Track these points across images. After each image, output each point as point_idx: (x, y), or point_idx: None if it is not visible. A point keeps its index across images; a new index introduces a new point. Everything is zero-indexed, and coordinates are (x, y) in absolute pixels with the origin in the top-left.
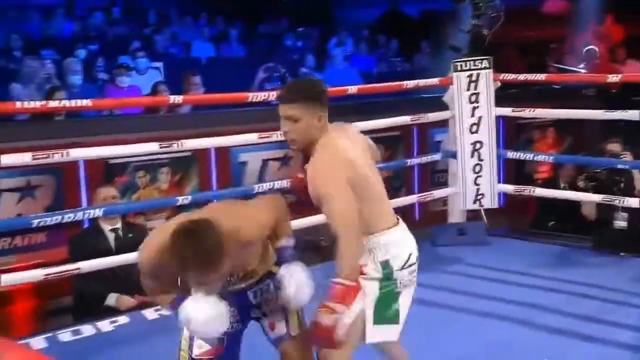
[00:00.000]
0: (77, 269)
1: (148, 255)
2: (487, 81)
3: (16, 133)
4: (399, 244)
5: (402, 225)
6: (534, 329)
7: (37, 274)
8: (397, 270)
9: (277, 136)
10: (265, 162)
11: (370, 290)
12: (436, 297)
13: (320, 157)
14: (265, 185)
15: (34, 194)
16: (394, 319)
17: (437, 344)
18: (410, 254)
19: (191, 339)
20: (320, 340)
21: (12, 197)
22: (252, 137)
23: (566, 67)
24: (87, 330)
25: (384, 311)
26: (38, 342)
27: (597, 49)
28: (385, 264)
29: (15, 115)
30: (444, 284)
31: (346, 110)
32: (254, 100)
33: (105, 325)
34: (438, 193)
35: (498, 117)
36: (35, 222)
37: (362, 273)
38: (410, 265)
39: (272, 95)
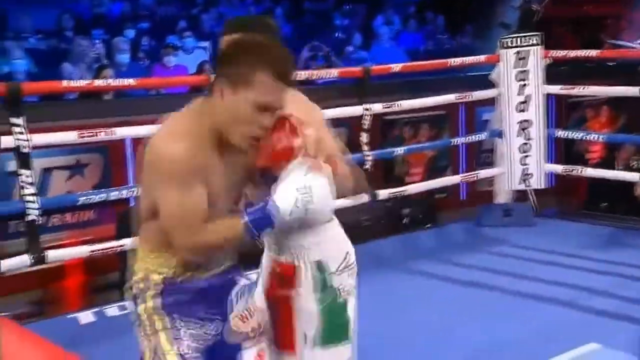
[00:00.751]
0: (121, 245)
1: (179, 147)
2: (537, 58)
3: (65, 112)
4: (335, 241)
5: (336, 220)
6: (581, 311)
7: (83, 251)
8: (334, 273)
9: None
10: None
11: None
12: (481, 279)
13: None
14: None
15: (83, 172)
16: (343, 337)
17: (482, 325)
18: (348, 253)
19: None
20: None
21: (62, 174)
22: None
23: (622, 44)
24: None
25: (330, 328)
26: (87, 317)
27: None
28: (319, 265)
29: (65, 95)
30: (490, 265)
31: (392, 88)
32: (297, 79)
33: None
34: (484, 173)
35: (548, 95)
36: (81, 200)
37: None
38: (349, 267)
39: (317, 74)
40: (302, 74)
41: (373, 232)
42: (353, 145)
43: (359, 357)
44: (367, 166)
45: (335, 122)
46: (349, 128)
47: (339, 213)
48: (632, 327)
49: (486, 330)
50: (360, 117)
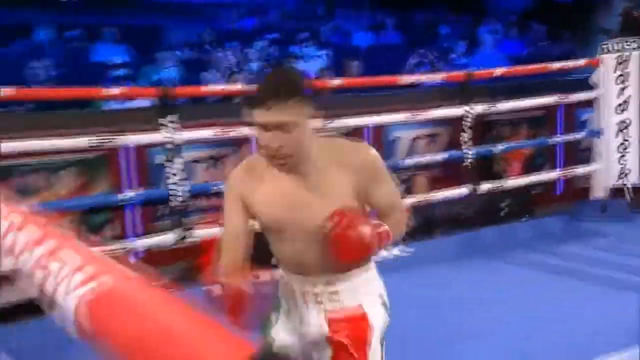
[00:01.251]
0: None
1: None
2: (638, 62)
3: (205, 113)
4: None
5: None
6: None
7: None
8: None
9: (424, 116)
10: (414, 140)
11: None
12: (577, 268)
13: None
14: (414, 160)
15: (219, 164)
16: None
17: (581, 315)
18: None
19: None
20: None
21: (201, 166)
22: (402, 117)
23: None
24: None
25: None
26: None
27: None
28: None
29: (205, 98)
30: (585, 255)
31: (494, 91)
32: (404, 83)
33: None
34: (581, 169)
35: None
36: (215, 188)
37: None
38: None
39: (422, 78)
40: (409, 79)
41: (473, 223)
42: (454, 143)
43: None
44: (467, 162)
45: (439, 122)
46: (452, 127)
47: (444, 206)
48: None
49: (585, 319)
50: (461, 118)
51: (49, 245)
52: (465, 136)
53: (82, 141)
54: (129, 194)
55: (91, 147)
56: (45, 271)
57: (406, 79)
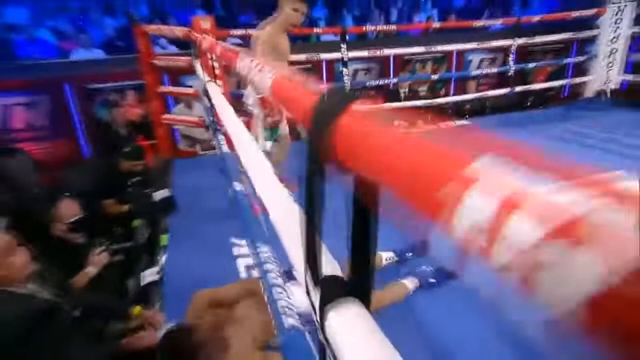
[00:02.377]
0: None
1: None
2: (630, 10)
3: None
4: None
5: None
6: None
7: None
8: None
9: (485, 46)
10: (481, 61)
11: None
12: (572, 135)
13: None
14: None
15: (368, 73)
16: None
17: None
18: None
19: None
20: None
21: (361, 73)
22: (472, 45)
23: None
24: None
25: None
26: None
27: None
28: None
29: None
30: (577, 130)
31: (533, 31)
32: (477, 26)
33: None
34: (579, 79)
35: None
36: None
37: None
38: None
39: (488, 23)
40: (479, 23)
41: (510, 110)
42: (505, 63)
43: None
44: (510, 73)
45: (495, 50)
46: (504, 53)
47: (493, 99)
48: None
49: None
50: (509, 47)
51: None
52: (510, 58)
53: (301, 57)
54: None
55: (307, 60)
56: None
57: (477, 23)
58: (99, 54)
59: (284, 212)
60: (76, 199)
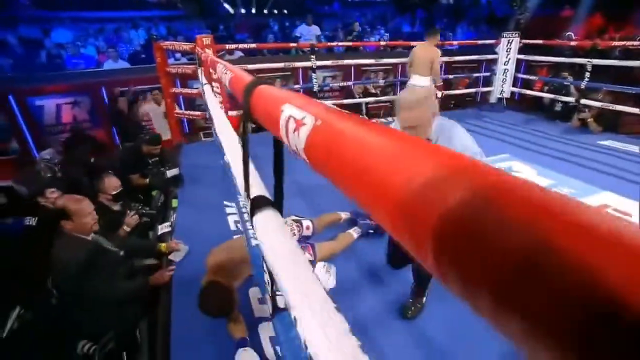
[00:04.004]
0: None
1: None
2: (515, 42)
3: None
4: None
5: None
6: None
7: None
8: None
9: None
10: None
11: None
12: (478, 130)
13: None
14: None
15: (336, 78)
16: None
17: None
18: None
19: None
20: None
21: (328, 79)
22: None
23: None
24: None
25: None
26: None
27: None
28: None
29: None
30: (482, 126)
31: (454, 52)
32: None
33: None
34: (485, 89)
35: (518, 60)
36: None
37: None
38: None
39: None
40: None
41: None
42: None
43: None
44: (439, 82)
45: None
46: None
47: None
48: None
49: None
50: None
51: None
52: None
53: (280, 65)
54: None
55: (285, 68)
56: None
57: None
58: (124, 64)
59: (236, 161)
60: (115, 176)
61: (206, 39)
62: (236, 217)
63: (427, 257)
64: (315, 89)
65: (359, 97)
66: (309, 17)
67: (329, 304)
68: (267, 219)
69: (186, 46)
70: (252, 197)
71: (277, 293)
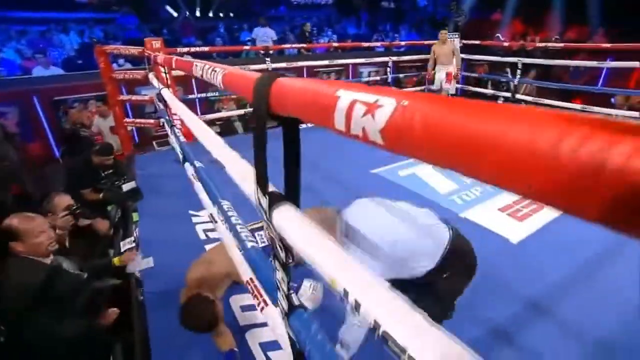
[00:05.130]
0: None
1: None
2: (457, 43)
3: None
4: None
5: None
6: None
7: None
8: None
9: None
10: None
11: None
12: None
13: None
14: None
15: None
16: None
17: None
18: None
19: None
20: None
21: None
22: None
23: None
24: None
25: None
26: None
27: None
28: None
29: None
30: None
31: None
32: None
33: None
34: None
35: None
36: None
37: None
38: None
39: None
40: (366, 44)
41: None
42: (385, 73)
43: None
44: (389, 80)
45: (378, 64)
46: (383, 67)
47: None
48: None
49: None
50: (387, 62)
51: None
52: (388, 70)
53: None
54: None
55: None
56: None
57: (365, 44)
58: (58, 71)
59: (233, 161)
60: (65, 192)
61: (155, 42)
62: (205, 226)
63: (598, 214)
64: None
65: None
66: (262, 19)
67: (382, 282)
68: (287, 212)
69: (134, 50)
70: (267, 190)
71: (291, 291)
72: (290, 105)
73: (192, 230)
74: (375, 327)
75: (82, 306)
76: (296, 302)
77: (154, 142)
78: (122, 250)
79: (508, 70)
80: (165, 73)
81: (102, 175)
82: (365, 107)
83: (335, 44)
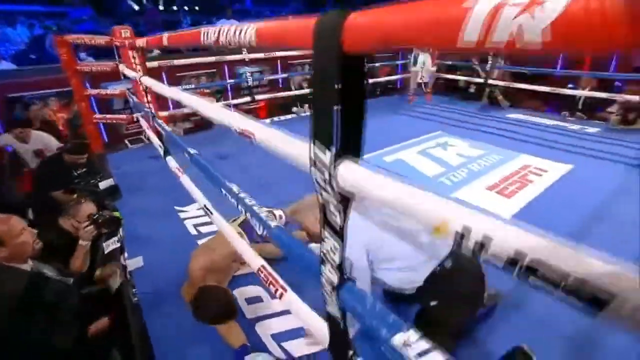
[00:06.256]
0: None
1: None
2: None
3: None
4: None
5: None
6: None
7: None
8: None
9: None
10: None
11: None
12: (405, 114)
13: None
14: None
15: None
16: None
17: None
18: None
19: None
20: None
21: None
22: None
23: None
24: None
25: None
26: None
27: None
28: None
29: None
30: (407, 109)
31: None
32: None
33: None
34: (402, 75)
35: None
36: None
37: None
38: None
39: None
40: None
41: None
42: None
43: None
44: None
45: None
46: None
47: None
48: None
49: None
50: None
51: None
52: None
53: (212, 59)
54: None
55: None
56: None
57: None
58: (9, 65)
59: (263, 129)
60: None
61: (125, 31)
62: (195, 221)
63: None
64: (251, 83)
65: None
66: (228, 10)
67: (505, 217)
68: (355, 166)
69: (101, 39)
70: (334, 142)
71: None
72: (376, 38)
73: (181, 227)
74: (515, 260)
75: (72, 314)
76: (347, 274)
77: (126, 140)
78: (106, 250)
79: (476, 58)
80: (135, 63)
81: (74, 175)
82: (516, 7)
83: None
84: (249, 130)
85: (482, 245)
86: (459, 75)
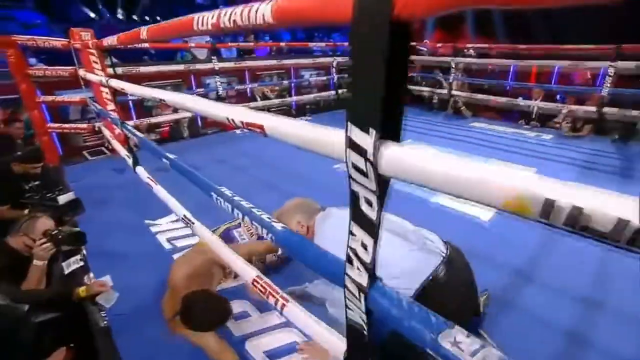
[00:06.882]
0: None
1: None
2: None
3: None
4: None
5: None
6: None
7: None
8: None
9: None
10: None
11: None
12: (415, 127)
13: None
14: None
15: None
16: None
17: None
18: None
19: None
20: None
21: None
22: None
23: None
24: None
25: None
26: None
27: None
28: None
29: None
30: (425, 120)
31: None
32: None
33: None
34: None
35: None
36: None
37: None
38: None
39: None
40: (311, 44)
41: (335, 107)
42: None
43: None
44: (335, 81)
45: (320, 66)
46: (324, 70)
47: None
48: None
49: None
50: (330, 64)
51: None
52: (333, 71)
53: (181, 67)
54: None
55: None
56: None
57: (310, 44)
58: None
59: (285, 121)
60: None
61: (85, 34)
62: (169, 235)
63: None
64: (221, 92)
65: (260, 100)
66: None
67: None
68: (399, 149)
69: (56, 42)
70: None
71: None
72: None
73: (153, 241)
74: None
75: (27, 347)
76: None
77: (85, 152)
78: (66, 270)
79: (438, 70)
80: (98, 68)
81: (25, 188)
82: None
83: (284, 44)
84: (256, 123)
85: (575, 218)
86: (424, 86)
